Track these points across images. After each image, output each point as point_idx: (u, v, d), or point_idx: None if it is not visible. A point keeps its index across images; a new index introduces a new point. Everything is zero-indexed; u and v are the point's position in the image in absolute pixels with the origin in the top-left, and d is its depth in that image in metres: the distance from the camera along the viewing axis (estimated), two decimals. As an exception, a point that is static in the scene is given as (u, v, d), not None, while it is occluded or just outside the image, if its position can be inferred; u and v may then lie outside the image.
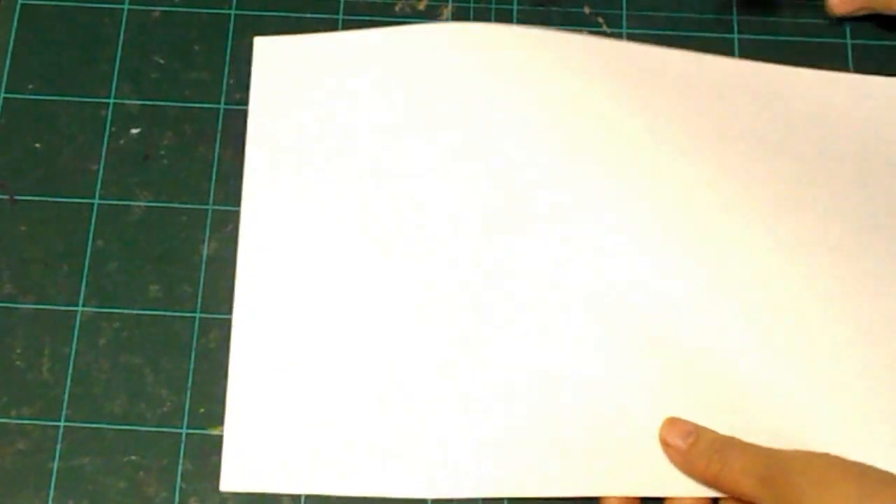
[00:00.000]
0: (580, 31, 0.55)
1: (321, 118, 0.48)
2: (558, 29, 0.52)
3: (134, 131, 0.54)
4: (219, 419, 0.49)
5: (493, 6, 0.57)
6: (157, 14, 0.56)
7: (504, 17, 0.56)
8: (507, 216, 0.41)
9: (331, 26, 0.56)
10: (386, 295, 0.44)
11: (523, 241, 0.41)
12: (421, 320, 0.43)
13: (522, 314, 0.41)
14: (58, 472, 0.48)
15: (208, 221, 0.52)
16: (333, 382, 0.46)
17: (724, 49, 0.54)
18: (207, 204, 0.53)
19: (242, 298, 0.48)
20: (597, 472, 0.42)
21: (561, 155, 0.40)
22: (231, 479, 0.46)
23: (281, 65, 0.48)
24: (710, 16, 0.56)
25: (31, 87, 0.55)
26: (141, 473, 0.48)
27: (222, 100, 0.55)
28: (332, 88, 0.47)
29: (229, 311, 0.51)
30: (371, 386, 0.45)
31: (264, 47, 0.50)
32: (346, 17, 0.56)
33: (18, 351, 0.50)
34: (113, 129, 0.54)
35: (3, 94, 0.55)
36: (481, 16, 0.56)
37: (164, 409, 0.49)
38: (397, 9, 0.57)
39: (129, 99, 0.55)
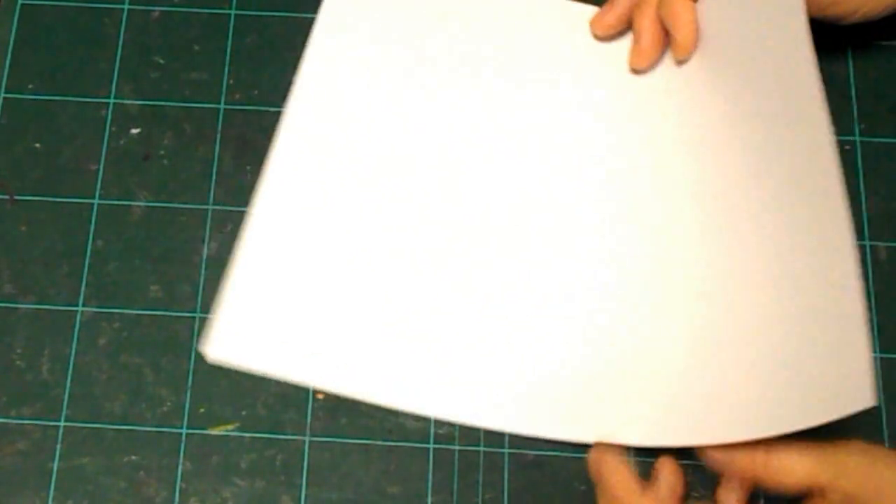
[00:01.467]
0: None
1: (374, 62, 0.48)
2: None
3: (134, 131, 0.54)
4: (218, 419, 0.49)
5: (493, 6, 0.57)
6: (156, 14, 0.57)
7: (504, 17, 0.56)
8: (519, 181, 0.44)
9: (331, 26, 0.56)
10: (408, 219, 0.44)
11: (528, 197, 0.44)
12: (437, 246, 0.44)
13: (529, 249, 0.43)
14: (58, 472, 0.48)
15: (208, 221, 0.53)
16: (345, 281, 0.45)
17: (724, 49, 0.54)
18: (207, 204, 0.53)
19: (271, 182, 0.46)
20: (593, 418, 0.42)
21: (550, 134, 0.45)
22: (220, 349, 0.44)
23: (348, 18, 0.49)
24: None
25: (31, 87, 0.55)
26: (141, 473, 0.48)
27: (222, 100, 0.55)
28: (386, 45, 0.48)
29: (229, 311, 0.51)
30: (383, 294, 0.44)
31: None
32: (346, 17, 0.56)
33: (18, 351, 0.50)
34: (113, 129, 0.54)
35: (3, 94, 0.55)
36: (481, 16, 0.56)
37: (164, 409, 0.49)
38: (397, 9, 0.57)
39: (129, 99, 0.55)
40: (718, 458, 0.41)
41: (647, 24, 0.50)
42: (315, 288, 0.44)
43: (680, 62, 0.49)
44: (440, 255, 0.43)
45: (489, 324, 0.43)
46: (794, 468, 0.40)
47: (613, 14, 0.51)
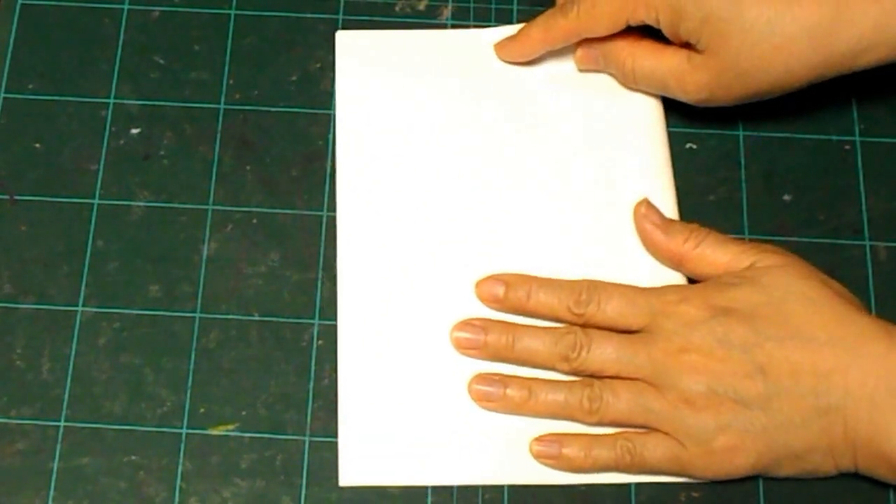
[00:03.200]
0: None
1: (394, 104, 0.53)
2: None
3: (134, 131, 0.54)
4: (218, 419, 0.49)
5: (493, 6, 0.57)
6: (157, 14, 0.57)
7: (504, 18, 0.56)
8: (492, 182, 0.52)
9: (331, 26, 0.56)
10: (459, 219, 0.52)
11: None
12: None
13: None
14: (58, 472, 0.48)
15: (208, 221, 0.52)
16: (435, 377, 0.49)
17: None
18: (207, 204, 0.53)
19: (346, 297, 0.50)
20: None
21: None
22: (349, 475, 0.48)
23: (359, 57, 0.53)
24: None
25: (31, 87, 0.55)
26: (141, 473, 0.48)
27: (222, 100, 0.55)
28: (401, 81, 0.53)
29: (229, 310, 0.51)
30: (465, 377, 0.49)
31: (345, 41, 0.54)
32: (346, 17, 0.56)
33: (18, 351, 0.50)
34: (113, 129, 0.54)
35: (3, 94, 0.55)
36: (481, 16, 0.56)
37: (164, 409, 0.49)
38: (397, 9, 0.57)
39: (129, 99, 0.55)
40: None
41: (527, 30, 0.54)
42: (412, 394, 0.48)
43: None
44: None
45: None
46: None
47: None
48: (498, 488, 0.48)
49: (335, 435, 0.49)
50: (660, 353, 0.46)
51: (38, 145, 0.54)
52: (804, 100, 0.53)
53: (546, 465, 0.47)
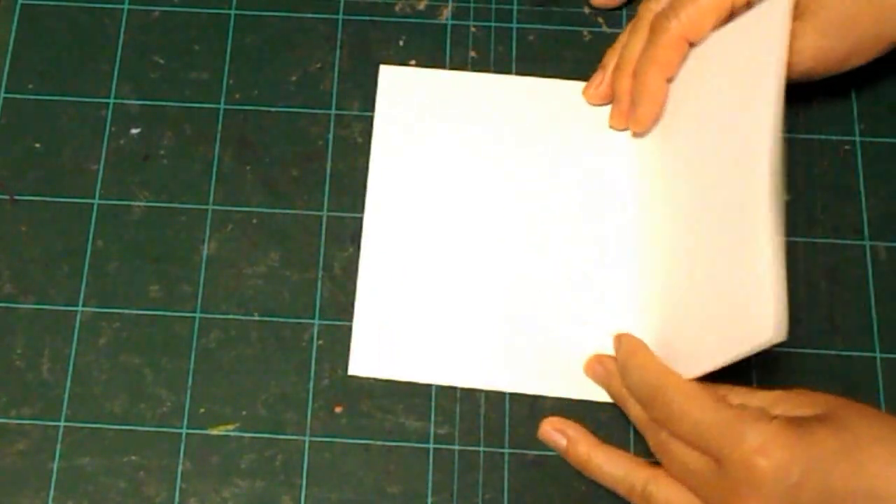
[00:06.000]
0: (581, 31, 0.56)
1: (423, 138, 0.55)
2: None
3: (134, 131, 0.54)
4: (218, 419, 0.49)
5: (493, 6, 0.57)
6: (156, 14, 0.57)
7: (504, 17, 0.56)
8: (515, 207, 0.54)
9: (331, 26, 0.56)
10: (476, 235, 0.53)
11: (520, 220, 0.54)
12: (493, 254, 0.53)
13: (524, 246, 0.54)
14: (58, 472, 0.48)
15: (208, 221, 0.53)
16: (444, 290, 0.52)
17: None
18: (207, 204, 0.53)
19: (371, 222, 0.53)
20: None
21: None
22: (358, 366, 0.50)
23: (398, 89, 0.55)
24: (710, 16, 0.56)
25: (31, 87, 0.55)
26: (141, 473, 0.48)
27: (222, 100, 0.55)
28: (436, 117, 0.55)
29: (229, 310, 0.51)
30: (465, 296, 0.52)
31: (387, 74, 0.55)
32: (346, 17, 0.56)
33: (18, 351, 0.50)
34: (113, 129, 0.54)
35: (3, 94, 0.55)
36: (481, 16, 0.56)
37: (164, 409, 0.49)
38: (397, 9, 0.57)
39: (129, 99, 0.55)
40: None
41: (625, 87, 0.52)
42: (423, 300, 0.52)
43: (635, 134, 0.53)
44: (485, 268, 0.53)
45: (513, 310, 0.52)
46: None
47: (604, 84, 0.53)
48: (498, 488, 0.48)
49: (335, 435, 0.49)
50: None
51: (38, 145, 0.54)
52: (804, 100, 0.53)
53: (552, 447, 0.49)
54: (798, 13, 0.48)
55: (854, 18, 0.48)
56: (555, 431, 0.49)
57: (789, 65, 0.46)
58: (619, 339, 0.49)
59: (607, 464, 0.47)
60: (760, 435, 0.41)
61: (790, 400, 0.44)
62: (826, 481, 0.40)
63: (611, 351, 0.50)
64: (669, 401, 0.44)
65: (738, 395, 0.45)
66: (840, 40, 0.48)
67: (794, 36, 0.47)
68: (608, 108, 0.54)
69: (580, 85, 0.55)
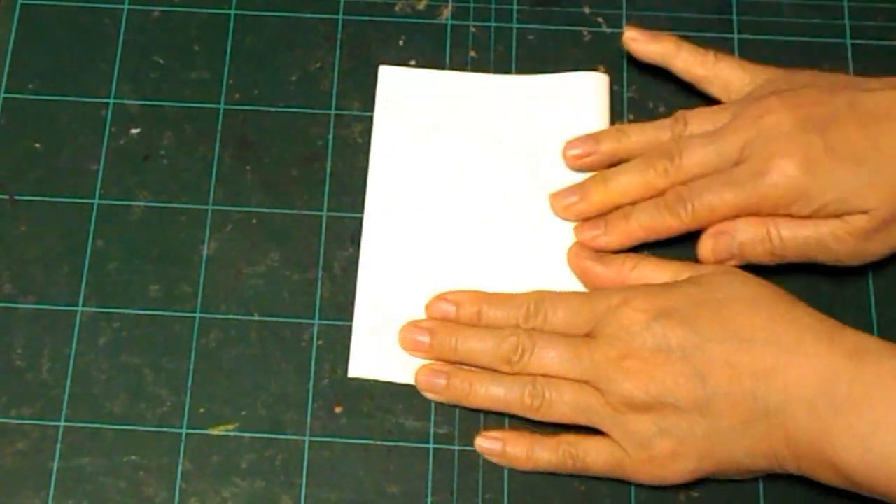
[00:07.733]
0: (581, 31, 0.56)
1: (422, 137, 0.55)
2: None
3: (134, 131, 0.54)
4: (218, 419, 0.49)
5: (493, 6, 0.57)
6: (156, 14, 0.57)
7: (504, 17, 0.56)
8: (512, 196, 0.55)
9: (331, 26, 0.56)
10: (477, 235, 0.54)
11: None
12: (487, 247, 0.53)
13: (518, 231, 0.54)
14: (58, 472, 0.48)
15: (208, 221, 0.53)
16: (444, 290, 0.51)
17: (723, 49, 0.54)
18: (207, 204, 0.53)
19: (371, 220, 0.53)
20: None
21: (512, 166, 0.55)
22: (358, 367, 0.50)
23: (398, 90, 0.55)
24: (710, 16, 0.56)
25: (31, 87, 0.55)
26: (141, 473, 0.48)
27: (222, 100, 0.55)
28: (436, 116, 0.55)
29: (229, 310, 0.51)
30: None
31: (387, 74, 0.55)
32: (346, 17, 0.56)
33: (18, 351, 0.50)
34: (113, 129, 0.54)
35: (3, 94, 0.55)
36: (481, 16, 0.56)
37: (164, 409, 0.49)
38: (397, 9, 0.57)
39: (129, 99, 0.55)
40: None
41: (602, 209, 0.52)
42: (415, 304, 0.51)
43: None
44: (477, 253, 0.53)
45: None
46: None
47: (591, 159, 0.53)
48: (498, 488, 0.48)
49: (335, 435, 0.49)
50: (601, 358, 0.46)
51: (38, 145, 0.54)
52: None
53: (491, 460, 0.49)
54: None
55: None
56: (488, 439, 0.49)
57: (827, 251, 0.48)
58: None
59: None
60: (621, 293, 0.47)
61: (686, 270, 0.49)
62: (692, 325, 0.45)
63: None
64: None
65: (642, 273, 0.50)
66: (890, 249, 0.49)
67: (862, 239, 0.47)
68: (610, 107, 0.54)
69: (580, 79, 0.55)
